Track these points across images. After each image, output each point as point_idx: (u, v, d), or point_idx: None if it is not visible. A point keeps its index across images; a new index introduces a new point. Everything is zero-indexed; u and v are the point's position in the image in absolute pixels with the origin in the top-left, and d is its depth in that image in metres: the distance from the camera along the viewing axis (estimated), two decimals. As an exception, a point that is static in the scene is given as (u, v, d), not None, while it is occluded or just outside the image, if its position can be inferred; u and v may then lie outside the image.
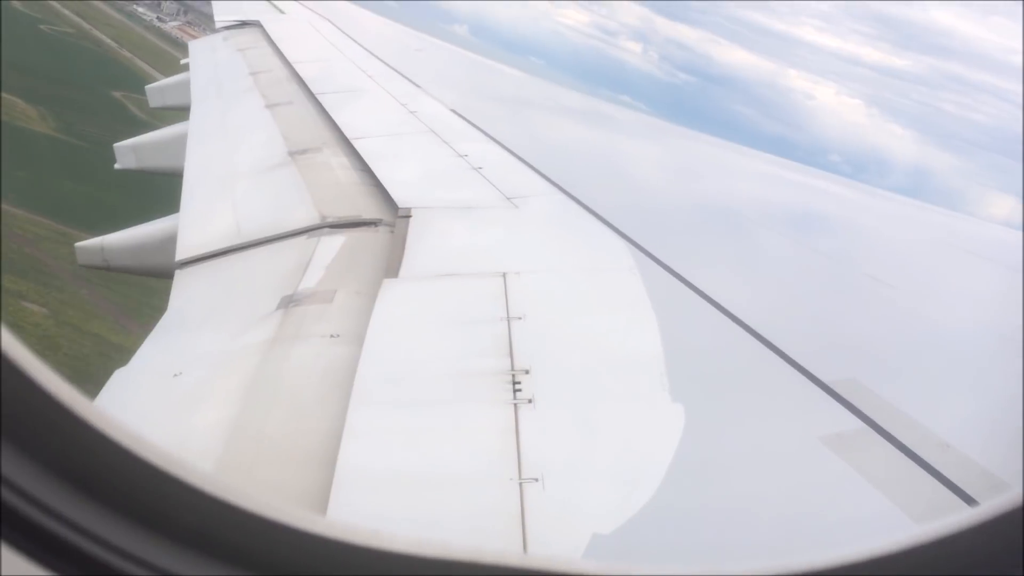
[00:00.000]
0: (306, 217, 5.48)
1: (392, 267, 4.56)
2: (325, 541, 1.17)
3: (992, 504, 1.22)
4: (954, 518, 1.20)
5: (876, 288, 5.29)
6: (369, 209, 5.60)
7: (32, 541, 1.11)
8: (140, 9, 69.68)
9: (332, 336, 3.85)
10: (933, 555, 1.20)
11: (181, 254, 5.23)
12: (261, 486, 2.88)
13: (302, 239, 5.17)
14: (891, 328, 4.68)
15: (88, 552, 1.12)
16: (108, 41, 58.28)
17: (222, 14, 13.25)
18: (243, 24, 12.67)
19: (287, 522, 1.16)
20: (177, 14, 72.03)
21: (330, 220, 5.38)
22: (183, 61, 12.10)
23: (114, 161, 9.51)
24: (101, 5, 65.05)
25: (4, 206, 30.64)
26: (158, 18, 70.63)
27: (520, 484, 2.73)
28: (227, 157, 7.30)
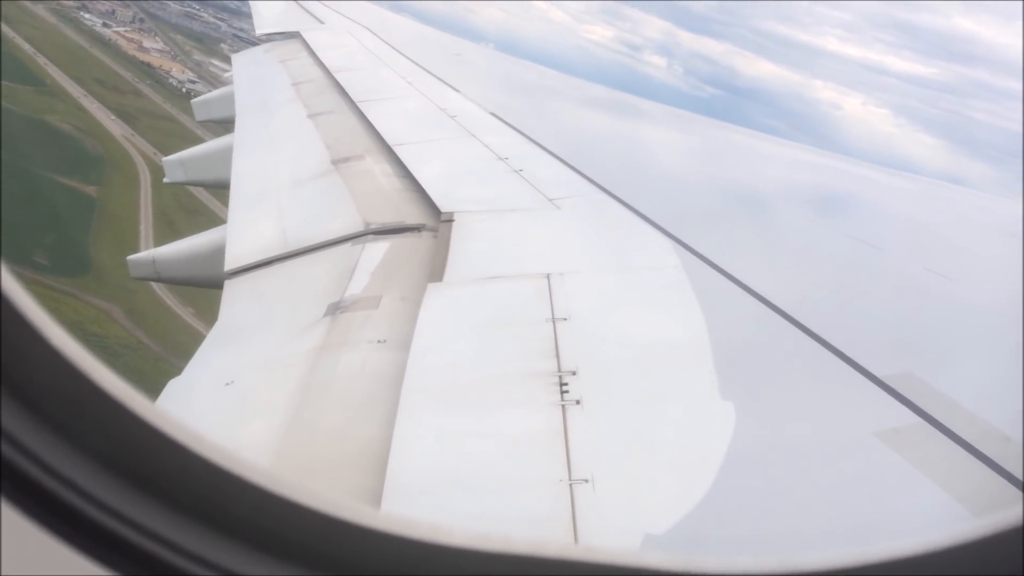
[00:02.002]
0: (350, 224, 5.53)
1: (436, 271, 4.58)
2: (384, 536, 1.16)
3: (997, 519, 1.18)
4: (960, 529, 1.17)
5: (930, 279, 5.18)
6: (412, 215, 5.64)
7: (90, 539, 1.13)
8: (87, 15, 70.66)
9: (379, 341, 3.88)
10: (935, 564, 1.17)
11: (230, 264, 5.32)
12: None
13: (347, 246, 5.22)
14: (946, 320, 4.57)
15: (145, 548, 1.13)
16: (17, 39, 58.89)
17: (263, 27, 13.44)
18: (283, 35, 12.84)
19: (344, 517, 1.16)
20: (133, 20, 73.09)
21: (374, 227, 5.42)
22: (227, 74, 12.30)
23: None
24: (39, 8, 65.52)
25: None
26: (104, 23, 71.38)
27: (570, 485, 2.72)
28: (272, 168, 7.41)
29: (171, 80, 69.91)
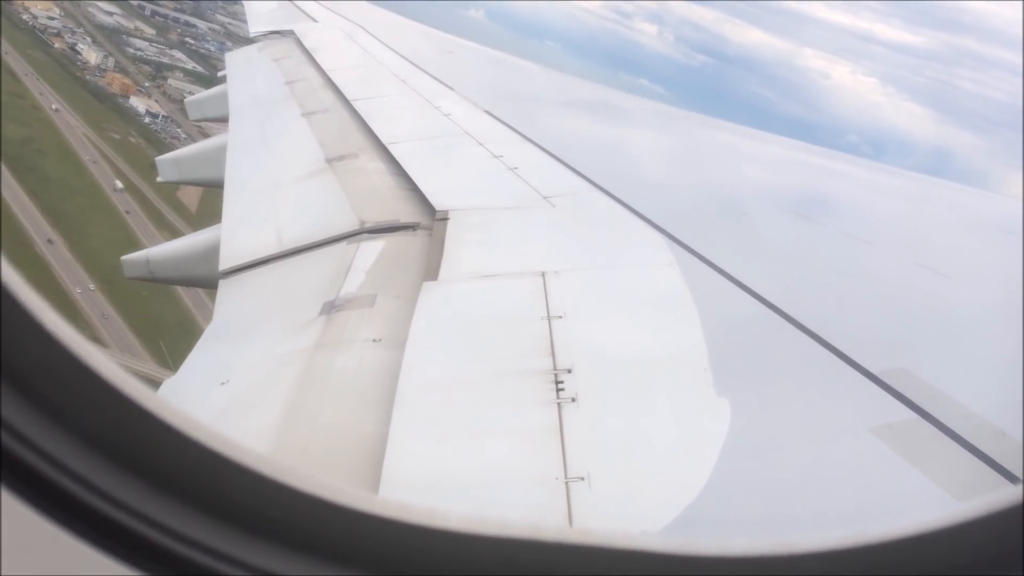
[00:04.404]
0: (345, 223, 5.52)
1: (431, 270, 4.57)
2: (380, 520, 1.16)
3: (990, 500, 1.19)
4: (953, 511, 1.18)
5: (923, 275, 5.19)
6: (407, 213, 5.63)
7: (86, 524, 1.13)
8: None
9: (375, 340, 3.88)
10: (928, 548, 1.17)
11: (224, 264, 5.31)
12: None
13: (342, 245, 5.22)
14: (940, 315, 4.59)
15: (140, 533, 1.13)
16: None
17: (256, 25, 13.41)
18: (277, 34, 12.80)
19: (341, 501, 1.16)
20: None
21: (369, 225, 5.42)
22: (220, 74, 12.27)
23: None
24: None
25: None
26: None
27: (566, 483, 2.72)
28: (266, 166, 7.40)
29: (23, 16, 70.58)
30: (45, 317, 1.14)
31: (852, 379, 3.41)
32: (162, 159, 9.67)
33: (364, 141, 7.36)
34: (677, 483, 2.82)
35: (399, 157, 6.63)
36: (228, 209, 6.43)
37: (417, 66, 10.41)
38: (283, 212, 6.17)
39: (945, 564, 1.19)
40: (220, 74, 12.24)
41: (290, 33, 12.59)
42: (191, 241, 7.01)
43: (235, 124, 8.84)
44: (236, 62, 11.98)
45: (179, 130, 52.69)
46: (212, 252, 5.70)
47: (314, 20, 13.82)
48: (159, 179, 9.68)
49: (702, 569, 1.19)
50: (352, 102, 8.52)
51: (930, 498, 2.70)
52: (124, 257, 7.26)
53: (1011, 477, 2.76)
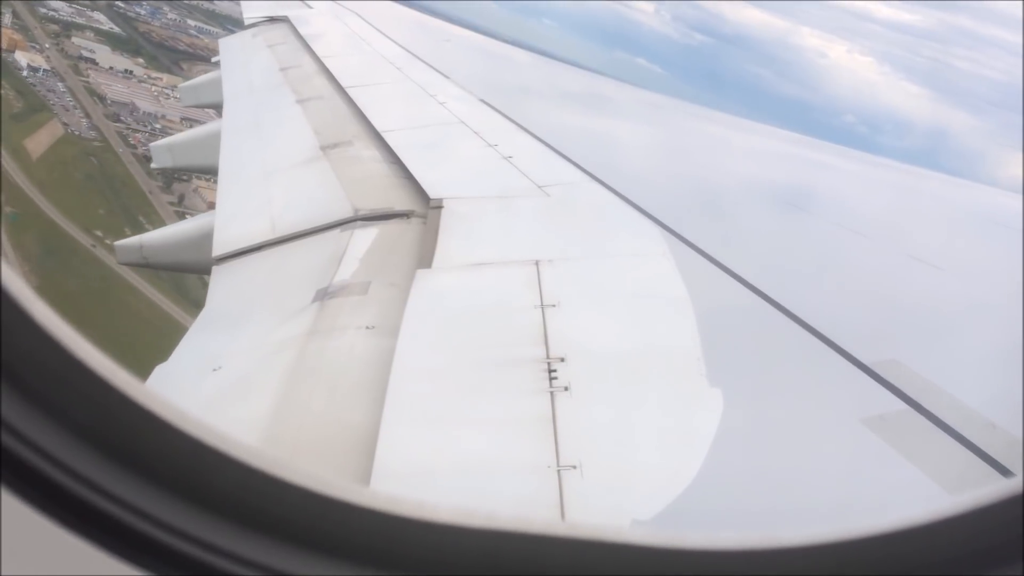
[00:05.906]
0: (339, 210, 5.51)
1: (425, 258, 4.57)
2: (369, 512, 1.17)
3: (982, 493, 1.19)
4: (939, 506, 1.18)
5: (917, 267, 5.20)
6: (401, 201, 5.62)
7: (77, 516, 1.13)
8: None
9: (368, 327, 3.88)
10: (918, 543, 1.18)
11: (218, 250, 5.29)
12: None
13: (335, 232, 5.21)
14: (933, 307, 4.60)
15: (134, 527, 1.13)
16: None
17: (251, 11, 13.34)
18: (271, 20, 12.74)
19: (330, 493, 1.17)
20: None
21: (363, 213, 5.40)
22: (214, 59, 12.22)
23: None
24: None
25: None
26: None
27: (558, 472, 2.73)
28: (260, 153, 7.37)
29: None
30: (35, 310, 1.13)
31: (844, 370, 3.42)
32: (156, 145, 9.63)
33: (359, 129, 7.34)
34: (668, 472, 2.83)
35: (394, 145, 6.61)
36: (222, 195, 6.41)
37: (412, 53, 10.37)
38: (277, 199, 6.15)
39: (935, 559, 1.19)
40: (214, 59, 12.18)
41: (285, 19, 12.52)
42: (185, 227, 7.01)
43: (229, 110, 8.80)
44: (230, 48, 11.92)
45: (59, 84, 51.20)
46: (206, 238, 5.68)
47: (309, 7, 13.75)
48: (153, 165, 9.64)
49: (690, 563, 1.19)
50: (347, 89, 8.49)
51: (920, 490, 2.71)
52: (117, 243, 7.23)
53: (1002, 469, 2.77)
